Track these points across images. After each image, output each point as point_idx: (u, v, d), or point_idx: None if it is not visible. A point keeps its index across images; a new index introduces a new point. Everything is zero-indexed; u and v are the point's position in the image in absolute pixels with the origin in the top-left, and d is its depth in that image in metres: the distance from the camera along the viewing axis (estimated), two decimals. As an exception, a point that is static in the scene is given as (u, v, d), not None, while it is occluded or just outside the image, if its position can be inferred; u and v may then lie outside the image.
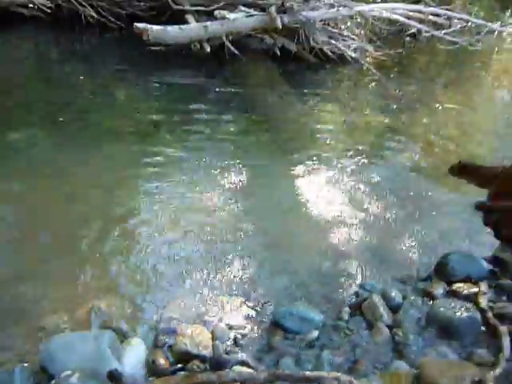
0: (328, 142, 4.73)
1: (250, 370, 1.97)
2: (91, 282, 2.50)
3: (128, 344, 2.09)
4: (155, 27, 5.56)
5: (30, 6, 6.45)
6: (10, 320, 2.24)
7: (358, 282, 2.67)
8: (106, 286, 2.48)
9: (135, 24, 5.54)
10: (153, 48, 5.80)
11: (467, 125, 5.40)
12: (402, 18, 7.06)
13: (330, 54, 6.59)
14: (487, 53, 8.30)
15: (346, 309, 2.40)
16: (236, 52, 6.09)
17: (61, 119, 4.33)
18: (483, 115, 5.81)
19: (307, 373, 1.75)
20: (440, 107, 5.74)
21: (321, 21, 6.54)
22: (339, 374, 1.77)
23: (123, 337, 2.14)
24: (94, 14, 6.58)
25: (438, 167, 4.35)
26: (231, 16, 5.94)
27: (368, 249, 3.01)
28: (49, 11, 6.47)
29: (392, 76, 6.55)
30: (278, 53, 6.45)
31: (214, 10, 6.27)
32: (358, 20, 7.27)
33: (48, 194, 3.23)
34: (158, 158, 3.90)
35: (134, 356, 2.03)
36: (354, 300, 2.49)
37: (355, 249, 3.00)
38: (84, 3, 6.56)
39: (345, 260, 2.86)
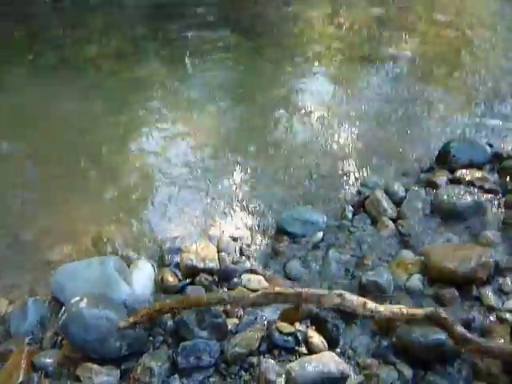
0: (320, 42, 4.51)
1: (257, 277, 1.98)
2: (91, 211, 2.47)
3: (135, 266, 2.10)
4: None
5: None
6: (17, 256, 2.23)
7: (360, 180, 2.62)
8: (106, 213, 2.45)
9: None
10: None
11: (467, 12, 5.10)
12: None
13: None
14: None
15: (349, 207, 2.37)
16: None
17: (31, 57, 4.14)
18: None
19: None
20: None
21: None
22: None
23: (129, 260, 2.14)
24: None
25: (438, 57, 4.16)
26: None
27: (368, 146, 2.94)
28: None
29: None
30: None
31: None
32: None
33: (38, 129, 3.13)
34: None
35: (142, 277, 2.04)
36: (356, 198, 2.45)
37: (355, 147, 2.94)
38: None
39: (345, 159, 2.80)
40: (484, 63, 3.93)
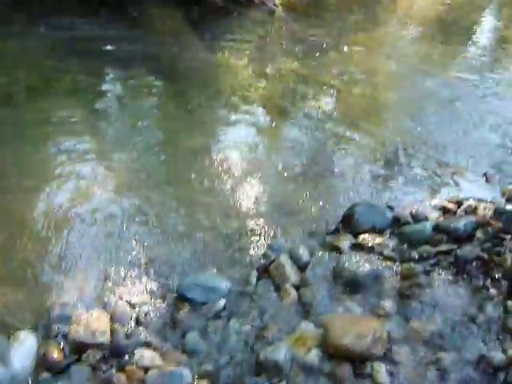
0: (238, 93, 4.54)
1: (151, 352, 1.87)
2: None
3: (15, 339, 1.90)
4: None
5: None
6: None
7: (267, 241, 2.61)
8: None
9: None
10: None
11: (376, 68, 5.44)
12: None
13: (237, -4, 6.26)
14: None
15: (254, 272, 2.34)
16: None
17: None
18: (391, 57, 5.86)
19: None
20: (349, 50, 5.71)
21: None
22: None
23: (9, 331, 1.93)
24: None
25: (349, 114, 4.36)
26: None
27: (276, 205, 2.95)
28: None
29: (302, 19, 6.38)
30: (182, -4, 6.01)
31: None
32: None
33: None
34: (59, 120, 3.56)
35: (22, 352, 1.84)
36: (262, 262, 2.43)
37: (263, 207, 2.94)
38: None
39: (252, 219, 2.79)
40: (389, 124, 4.18)
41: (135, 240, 2.51)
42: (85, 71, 4.32)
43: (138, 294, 2.19)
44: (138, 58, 4.89)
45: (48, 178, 2.92)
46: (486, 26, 8.24)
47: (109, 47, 4.93)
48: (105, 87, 4.34)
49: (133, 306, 2.12)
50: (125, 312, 2.07)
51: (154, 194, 2.90)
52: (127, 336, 1.95)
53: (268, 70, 5.07)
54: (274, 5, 6.41)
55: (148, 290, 2.23)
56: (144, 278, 2.28)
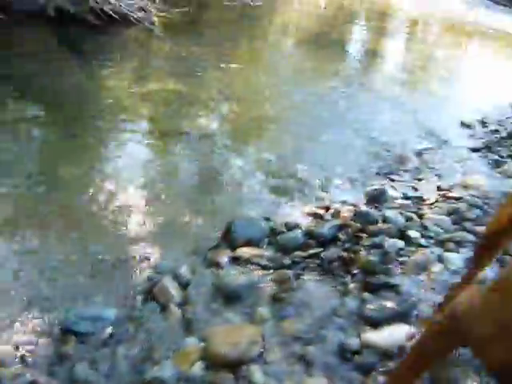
0: (120, 115, 4.59)
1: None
2: None
3: None
4: None
5: None
6: None
7: (152, 264, 2.75)
8: None
9: None
10: None
11: (254, 83, 5.78)
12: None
13: (112, 14, 6.26)
14: (270, 8, 8.85)
15: (139, 297, 2.47)
16: (1, 17, 5.37)
17: None
18: (268, 72, 6.25)
19: None
20: (229, 67, 5.99)
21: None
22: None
23: None
24: None
25: (230, 131, 4.63)
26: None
27: (162, 227, 3.09)
28: None
29: (180, 36, 6.56)
30: (52, 14, 5.88)
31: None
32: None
33: None
34: None
35: None
36: (146, 285, 2.56)
37: (148, 229, 3.06)
38: None
39: (137, 243, 2.90)
40: (266, 138, 4.51)
41: (13, 277, 2.50)
42: None
43: (21, 334, 2.21)
44: (9, 81, 4.73)
45: None
46: (357, 38, 9.07)
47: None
48: None
49: (17, 347, 2.14)
50: (10, 353, 2.09)
51: (32, 225, 2.89)
52: (14, 378, 1.98)
53: (149, 91, 5.17)
54: (152, 23, 6.51)
55: (32, 328, 2.25)
56: (26, 317, 2.30)
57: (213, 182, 3.73)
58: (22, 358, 2.10)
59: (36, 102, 4.58)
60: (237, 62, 6.11)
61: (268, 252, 2.90)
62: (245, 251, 2.82)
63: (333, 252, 2.83)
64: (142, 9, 6.61)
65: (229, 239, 2.94)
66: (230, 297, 2.49)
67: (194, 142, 4.27)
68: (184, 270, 2.62)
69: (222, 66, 5.89)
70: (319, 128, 4.85)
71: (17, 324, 2.26)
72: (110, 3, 6.24)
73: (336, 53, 7.65)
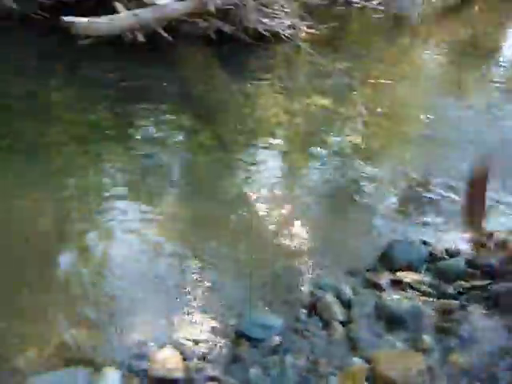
0: (268, 130, 4.81)
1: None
2: (55, 313, 2.53)
3: (101, 375, 2.18)
4: (84, 20, 5.34)
5: None
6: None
7: (312, 280, 2.86)
8: (71, 315, 2.51)
9: (62, 18, 5.29)
10: (81, 42, 5.53)
11: (403, 100, 5.67)
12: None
13: (264, 33, 6.60)
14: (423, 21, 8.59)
15: (303, 310, 2.59)
16: (170, 39, 5.97)
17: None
18: (417, 88, 6.08)
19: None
20: (375, 82, 5.95)
21: (254, 0, 6.50)
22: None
23: (95, 368, 2.22)
24: (13, 6, 6.18)
25: (378, 148, 4.60)
26: (161, 1, 5.79)
27: (318, 243, 3.20)
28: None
29: (327, 52, 6.67)
30: (214, 36, 6.39)
31: (143, -5, 6.09)
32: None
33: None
34: (104, 166, 3.89)
35: (108, 386, 2.13)
36: (309, 300, 2.68)
37: (306, 245, 3.19)
38: (1, -5, 6.14)
39: (297, 258, 3.04)
40: (419, 158, 4.38)
41: (194, 282, 2.78)
42: (119, 112, 4.66)
43: (201, 333, 2.46)
44: (171, 96, 5.22)
45: (96, 224, 3.22)
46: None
47: (142, 86, 5.29)
48: (138, 128, 4.58)
49: (198, 344, 2.39)
50: (192, 349, 2.34)
51: (205, 237, 3.18)
52: (197, 370, 2.22)
53: (296, 106, 5.35)
54: (300, 40, 6.73)
55: (210, 328, 2.49)
56: (205, 318, 2.55)
57: (363, 201, 3.74)
58: (203, 354, 2.33)
59: (192, 115, 4.98)
60: (386, 76, 6.03)
61: (427, 278, 2.85)
62: (405, 275, 2.81)
63: (503, 286, 2.68)
64: (291, 26, 6.86)
65: (387, 261, 2.95)
66: (393, 321, 2.50)
67: (342, 159, 4.33)
68: (345, 289, 2.69)
69: (371, 80, 5.87)
70: (476, 147, 4.57)
71: (197, 324, 2.51)
72: (262, 23, 6.59)
73: (489, 63, 7.18)
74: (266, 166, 4.21)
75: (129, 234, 3.12)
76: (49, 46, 6.07)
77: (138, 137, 4.45)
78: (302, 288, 2.80)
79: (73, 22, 5.23)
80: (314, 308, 2.60)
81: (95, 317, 2.51)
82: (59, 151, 4.00)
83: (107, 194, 3.53)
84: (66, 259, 2.93)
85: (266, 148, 4.48)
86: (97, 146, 4.13)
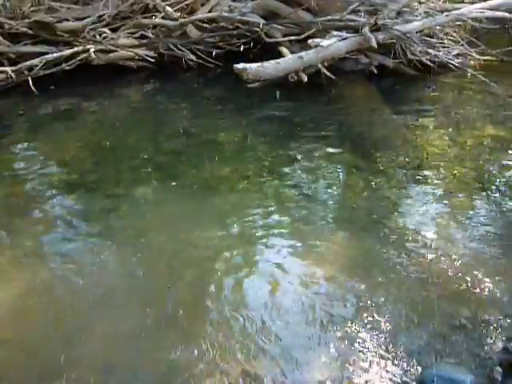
0: (435, 165, 4.52)
1: None
2: (234, 343, 2.63)
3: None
4: (253, 65, 5.75)
5: (136, 58, 6.97)
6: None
7: (504, 333, 2.55)
8: (249, 346, 2.59)
9: (235, 65, 5.77)
10: (250, 86, 5.95)
11: None
12: (507, 15, 6.61)
13: (429, 64, 6.37)
14: None
15: (498, 368, 2.31)
16: (333, 77, 6.10)
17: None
18: None
19: None
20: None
21: (417, 32, 6.34)
22: None
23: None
24: (192, 57, 6.97)
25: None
26: (325, 43, 5.97)
27: (507, 292, 2.87)
28: (153, 60, 6.97)
29: (501, 79, 6.15)
30: (375, 71, 6.36)
31: (306, 38, 6.37)
32: (455, 23, 6.93)
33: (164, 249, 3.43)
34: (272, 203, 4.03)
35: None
36: (504, 357, 2.39)
37: (493, 292, 2.87)
38: (183, 49, 6.98)
39: (484, 307, 2.76)
40: None
41: (371, 325, 2.69)
42: (284, 149, 4.82)
43: (382, 380, 2.35)
44: (333, 131, 5.24)
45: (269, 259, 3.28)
46: None
47: (305, 123, 5.43)
48: (300, 164, 4.66)
49: (379, 393, 2.28)
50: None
51: (373, 278, 3.06)
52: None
53: (466, 139, 4.99)
54: (470, 68, 6.33)
55: (388, 376, 2.37)
56: (383, 365, 2.43)
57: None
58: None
59: (357, 151, 4.94)
60: None
61: None
62: None
63: None
64: (459, 55, 6.51)
65: None
66: None
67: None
68: (548, 348, 2.34)
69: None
70: None
71: (375, 369, 2.41)
72: (427, 53, 6.37)
73: None
74: (435, 205, 3.96)
75: (288, 274, 3.11)
76: (219, 90, 6.73)
77: (302, 173, 4.56)
78: (493, 341, 2.51)
79: (244, 68, 5.66)
80: (510, 367, 2.31)
81: (273, 349, 2.55)
82: (232, 188, 4.27)
83: (284, 231, 3.60)
84: (241, 292, 3.05)
85: (433, 184, 4.23)
86: (264, 183, 4.31)
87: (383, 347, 2.53)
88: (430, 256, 3.20)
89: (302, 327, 2.67)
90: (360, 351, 2.51)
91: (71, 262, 3.23)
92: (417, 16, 6.38)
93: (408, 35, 6.11)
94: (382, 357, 2.47)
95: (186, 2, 7.29)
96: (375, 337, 2.60)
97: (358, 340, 2.58)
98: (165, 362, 2.49)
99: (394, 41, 6.26)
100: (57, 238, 3.54)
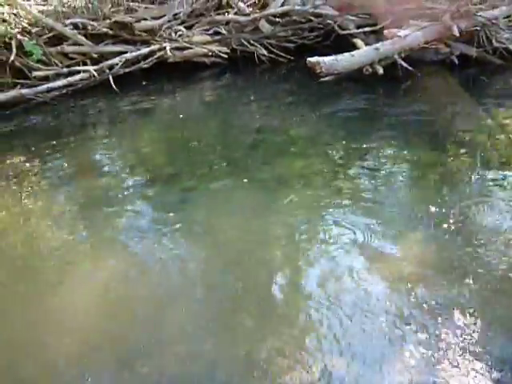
0: None
1: None
2: (311, 336, 2.57)
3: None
4: (327, 59, 5.64)
5: (210, 54, 7.09)
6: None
7: None
8: (326, 340, 2.52)
9: (308, 59, 5.69)
10: (322, 79, 5.83)
11: None
12: None
13: (517, 52, 5.93)
14: None
15: None
16: (410, 68, 5.85)
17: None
18: None
19: None
20: None
21: (504, 18, 5.92)
22: None
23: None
24: (264, 52, 6.97)
25: None
26: (402, 33, 5.73)
27: None
28: (225, 56, 7.05)
29: None
30: (456, 61, 6.02)
31: (381, 28, 6.15)
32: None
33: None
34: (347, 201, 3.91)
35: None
36: None
37: None
38: (255, 43, 7.00)
39: None
40: None
41: (453, 326, 2.52)
42: (356, 144, 4.66)
43: (470, 387, 2.20)
44: (411, 126, 5.01)
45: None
46: None
47: (381, 117, 5.25)
48: (373, 161, 4.47)
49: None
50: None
51: (458, 278, 2.88)
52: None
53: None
54: None
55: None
56: (472, 370, 2.28)
57: None
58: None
59: (436, 146, 4.68)
60: None
61: None
62: None
63: None
64: (552, 41, 6.00)
65: None
66: None
67: None
68: None
69: None
70: None
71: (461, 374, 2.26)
72: (515, 41, 5.93)
73: None
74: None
75: (368, 272, 2.99)
76: (291, 84, 6.68)
77: (375, 170, 4.37)
78: None
79: (318, 62, 5.56)
80: None
81: (354, 348, 2.46)
82: (305, 184, 4.20)
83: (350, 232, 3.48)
84: (320, 289, 2.97)
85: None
86: (337, 179, 4.20)
87: (472, 351, 2.37)
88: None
89: (388, 327, 2.56)
90: (446, 354, 2.37)
91: (148, 253, 3.33)
92: (504, 0, 5.94)
93: (494, 21, 5.71)
94: (469, 362, 2.32)
95: (259, -3, 7.31)
96: (464, 340, 2.44)
97: (445, 343, 2.43)
98: (243, 356, 2.49)
99: (478, 28, 5.88)
100: (134, 228, 3.67)
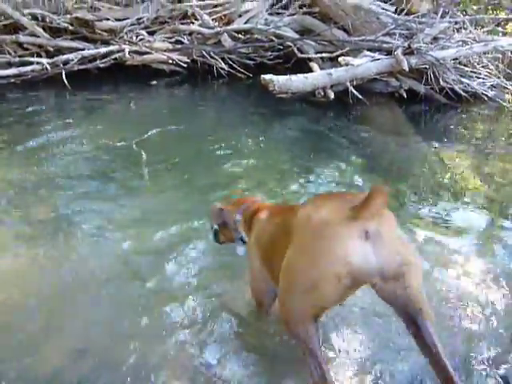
0: (455, 194, 4.34)
1: None
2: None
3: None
4: (281, 78, 5.75)
5: (169, 62, 7.10)
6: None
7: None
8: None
9: (262, 76, 5.78)
10: (278, 96, 5.93)
11: None
12: (547, 50, 6.42)
13: (462, 93, 6.22)
14: None
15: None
16: (360, 96, 6.04)
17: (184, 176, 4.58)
18: None
19: None
20: None
21: (452, 60, 6.22)
22: None
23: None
24: (224, 67, 7.05)
25: None
26: (356, 62, 5.93)
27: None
28: (185, 66, 7.08)
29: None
30: (405, 95, 6.26)
31: (338, 55, 6.34)
32: (493, 54, 6.78)
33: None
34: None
35: None
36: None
37: None
38: (216, 57, 7.07)
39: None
40: None
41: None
42: (299, 161, 4.72)
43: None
44: (354, 152, 5.13)
45: None
46: None
47: (327, 140, 5.34)
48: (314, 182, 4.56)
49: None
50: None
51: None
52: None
53: (492, 170, 4.80)
54: (504, 100, 6.15)
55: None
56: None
57: None
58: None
59: (377, 171, 4.80)
60: None
61: None
62: None
63: None
64: (494, 86, 6.34)
65: None
66: None
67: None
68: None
69: None
70: None
71: None
72: (461, 82, 6.23)
73: None
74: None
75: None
76: (247, 100, 6.76)
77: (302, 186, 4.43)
78: None
79: (271, 80, 5.66)
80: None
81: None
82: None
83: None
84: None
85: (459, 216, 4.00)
86: (271, 190, 4.24)
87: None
88: None
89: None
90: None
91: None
92: (453, 43, 6.26)
93: (442, 62, 5.99)
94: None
95: (224, 12, 7.41)
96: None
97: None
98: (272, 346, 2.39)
99: (427, 66, 6.15)
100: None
